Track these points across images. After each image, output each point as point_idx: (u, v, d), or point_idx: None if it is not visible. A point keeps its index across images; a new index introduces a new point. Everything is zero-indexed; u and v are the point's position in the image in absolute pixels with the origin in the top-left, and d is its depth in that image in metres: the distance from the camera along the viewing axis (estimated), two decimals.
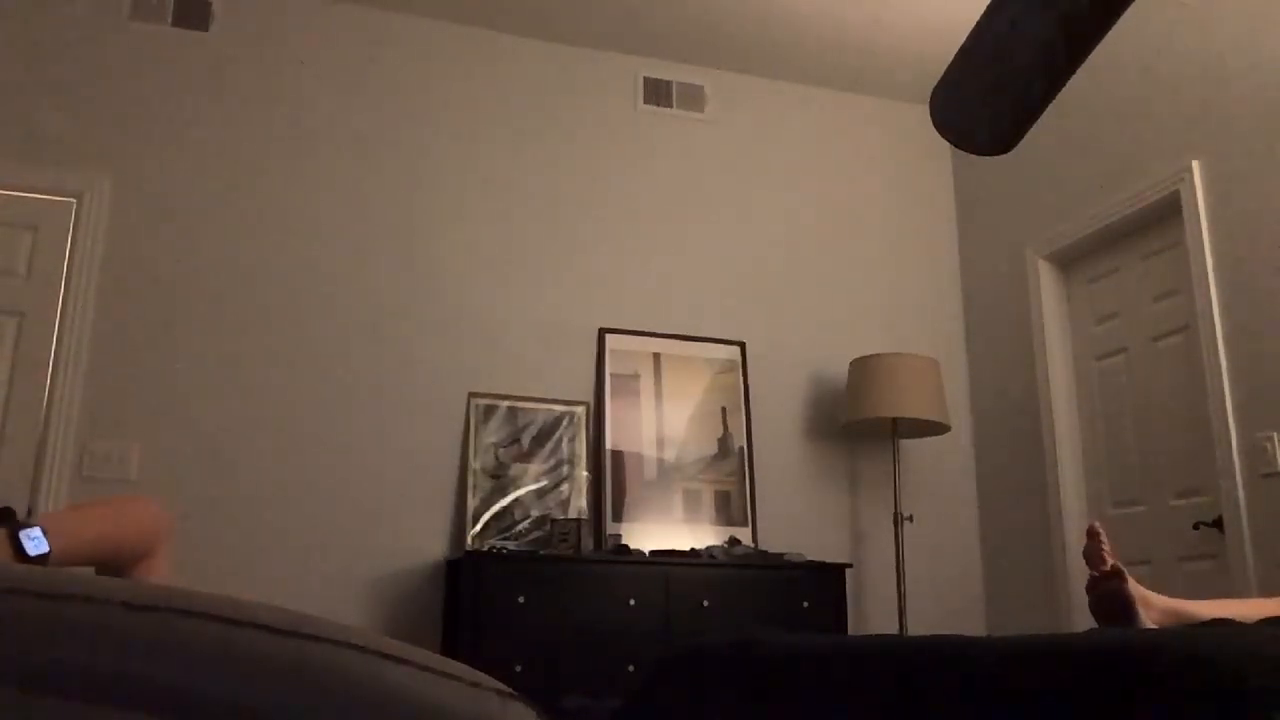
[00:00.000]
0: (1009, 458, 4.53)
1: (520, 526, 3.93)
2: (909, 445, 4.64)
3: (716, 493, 4.23)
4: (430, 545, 3.90)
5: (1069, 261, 4.41)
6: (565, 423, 4.14)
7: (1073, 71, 1.45)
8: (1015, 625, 4.36)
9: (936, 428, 4.28)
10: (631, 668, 3.49)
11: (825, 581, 3.84)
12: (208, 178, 4.00)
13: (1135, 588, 1.75)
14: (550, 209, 4.39)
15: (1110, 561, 1.79)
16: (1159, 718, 0.81)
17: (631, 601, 3.58)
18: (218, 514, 3.71)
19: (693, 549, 3.92)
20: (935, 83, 1.68)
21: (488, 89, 4.44)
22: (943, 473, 4.68)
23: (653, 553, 3.81)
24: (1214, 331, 3.58)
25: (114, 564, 1.32)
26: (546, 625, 3.46)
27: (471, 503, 3.91)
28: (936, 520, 4.60)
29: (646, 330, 4.37)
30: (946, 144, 5.09)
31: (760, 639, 1.26)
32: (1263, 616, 1.66)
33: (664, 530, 4.08)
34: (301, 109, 4.17)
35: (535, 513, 3.96)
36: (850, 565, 3.97)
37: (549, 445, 4.08)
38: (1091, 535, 1.82)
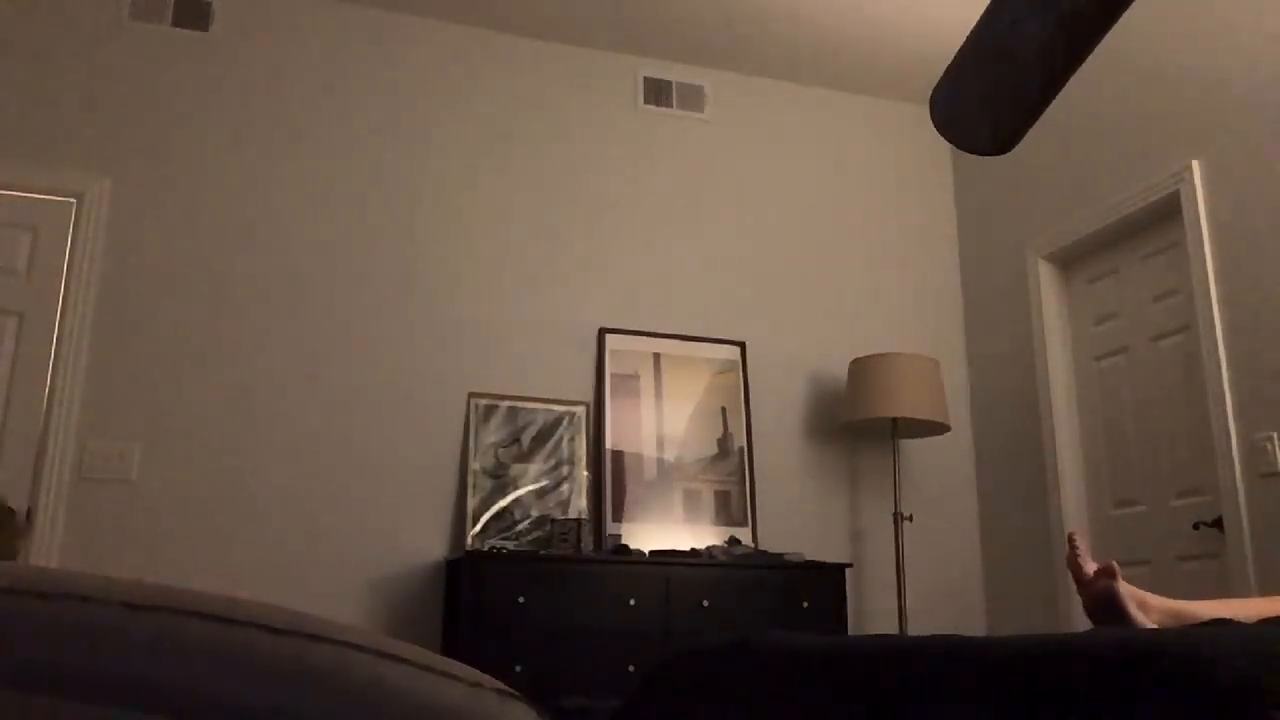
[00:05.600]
0: (1009, 458, 4.53)
1: (520, 526, 3.93)
2: (909, 445, 4.64)
3: (716, 493, 4.23)
4: (430, 545, 3.91)
5: (1069, 261, 4.41)
6: (565, 423, 4.14)
7: (1073, 71, 1.45)
8: (1015, 625, 4.36)
9: (936, 428, 4.28)
10: (631, 668, 3.49)
11: (825, 581, 3.84)
12: (208, 178, 4.00)
13: (1128, 588, 1.75)
14: (550, 209, 4.39)
15: (1091, 566, 1.79)
16: (1159, 718, 0.81)
17: (631, 601, 3.58)
18: (217, 514, 3.71)
19: (693, 549, 3.92)
20: (935, 83, 1.68)
21: (488, 89, 4.45)
22: (943, 473, 4.68)
23: (653, 553, 3.81)
24: (1214, 331, 3.58)
25: None
26: (546, 625, 3.46)
27: (471, 503, 3.91)
28: (936, 520, 4.60)
29: (646, 330, 4.38)
30: (946, 144, 5.09)
31: (760, 639, 1.26)
32: (1262, 616, 1.66)
33: (664, 530, 4.08)
34: (301, 109, 4.17)
35: (535, 513, 3.97)
36: (850, 565, 3.97)
37: (549, 445, 4.09)
38: (1070, 543, 1.83)
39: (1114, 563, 1.74)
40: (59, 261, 3.76)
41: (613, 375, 4.25)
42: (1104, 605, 1.72)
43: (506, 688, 0.86)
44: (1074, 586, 3.91)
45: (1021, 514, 4.42)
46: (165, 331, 3.82)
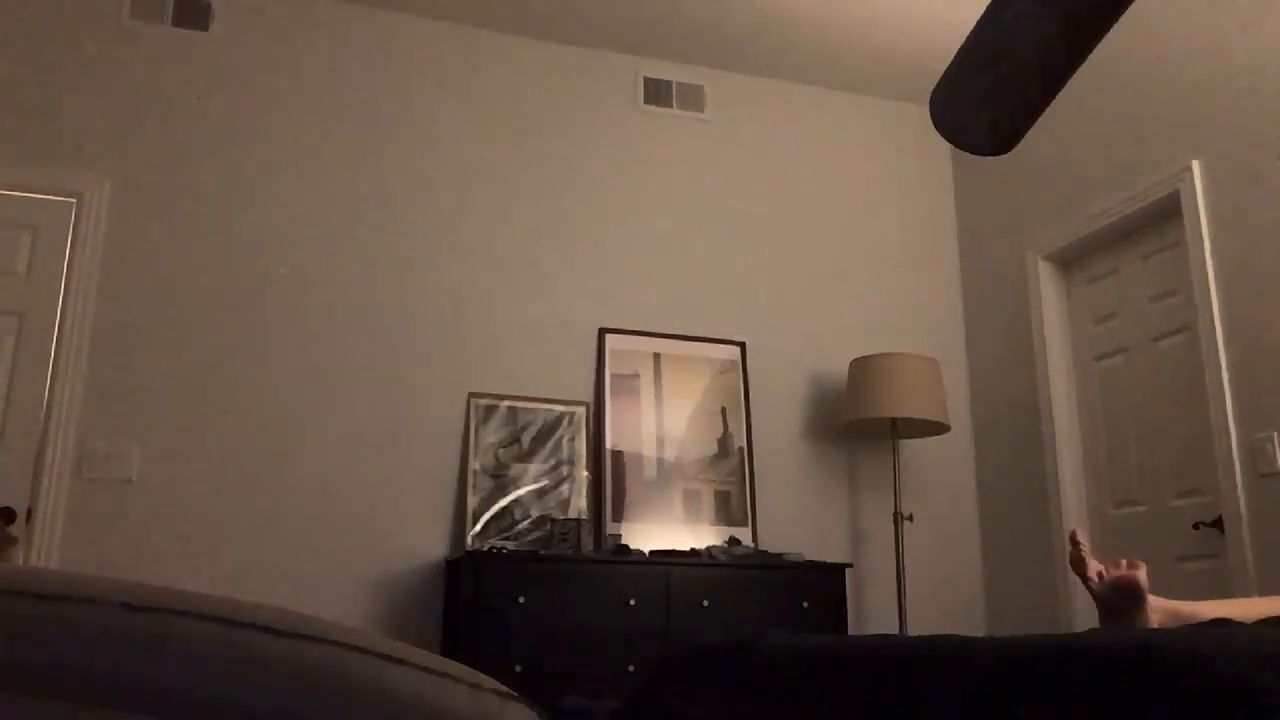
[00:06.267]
0: (1009, 458, 4.53)
1: (520, 526, 3.93)
2: (909, 445, 4.64)
3: (716, 493, 4.23)
4: (430, 545, 3.90)
5: (1069, 261, 4.41)
6: (565, 423, 4.14)
7: (1073, 71, 1.45)
8: (1015, 625, 4.36)
9: (936, 428, 4.28)
10: (631, 668, 3.49)
11: (825, 581, 3.84)
12: (208, 178, 4.00)
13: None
14: (550, 209, 4.39)
15: (1095, 564, 1.80)
16: (1159, 718, 0.81)
17: (631, 601, 3.58)
18: (217, 514, 3.71)
19: (693, 549, 3.92)
20: (935, 83, 1.68)
21: (488, 89, 4.44)
22: (943, 473, 4.68)
23: (653, 553, 3.81)
24: (1214, 331, 3.58)
25: None
26: (546, 625, 3.46)
27: (471, 503, 3.91)
28: (936, 520, 4.60)
29: (646, 330, 4.37)
30: (946, 144, 5.09)
31: (760, 639, 1.26)
32: (1262, 616, 1.66)
33: (664, 530, 4.08)
34: (301, 109, 4.17)
35: (535, 513, 3.97)
36: (850, 565, 3.97)
37: (549, 445, 4.09)
38: (1073, 542, 1.83)
39: (1140, 561, 1.75)
40: (59, 261, 3.76)
41: (613, 375, 4.25)
42: (1126, 593, 1.72)
43: (506, 688, 0.86)
44: (1075, 585, 3.90)
45: (1021, 514, 4.42)
46: (165, 331, 3.82)
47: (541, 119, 4.49)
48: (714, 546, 3.86)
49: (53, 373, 3.66)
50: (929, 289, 4.90)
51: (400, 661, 0.80)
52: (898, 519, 4.12)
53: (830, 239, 4.79)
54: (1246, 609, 1.72)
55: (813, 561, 3.89)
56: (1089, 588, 1.80)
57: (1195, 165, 3.70)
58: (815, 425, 4.54)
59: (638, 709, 1.31)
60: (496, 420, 4.06)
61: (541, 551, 3.64)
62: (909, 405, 4.10)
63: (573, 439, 4.13)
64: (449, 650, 3.62)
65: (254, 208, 4.03)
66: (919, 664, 1.04)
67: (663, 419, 4.26)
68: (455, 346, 4.13)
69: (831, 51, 4.65)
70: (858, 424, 4.30)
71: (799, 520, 4.39)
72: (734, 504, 4.24)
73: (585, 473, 4.10)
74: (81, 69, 3.94)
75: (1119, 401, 4.11)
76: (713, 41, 4.57)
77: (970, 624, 4.49)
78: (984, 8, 1.56)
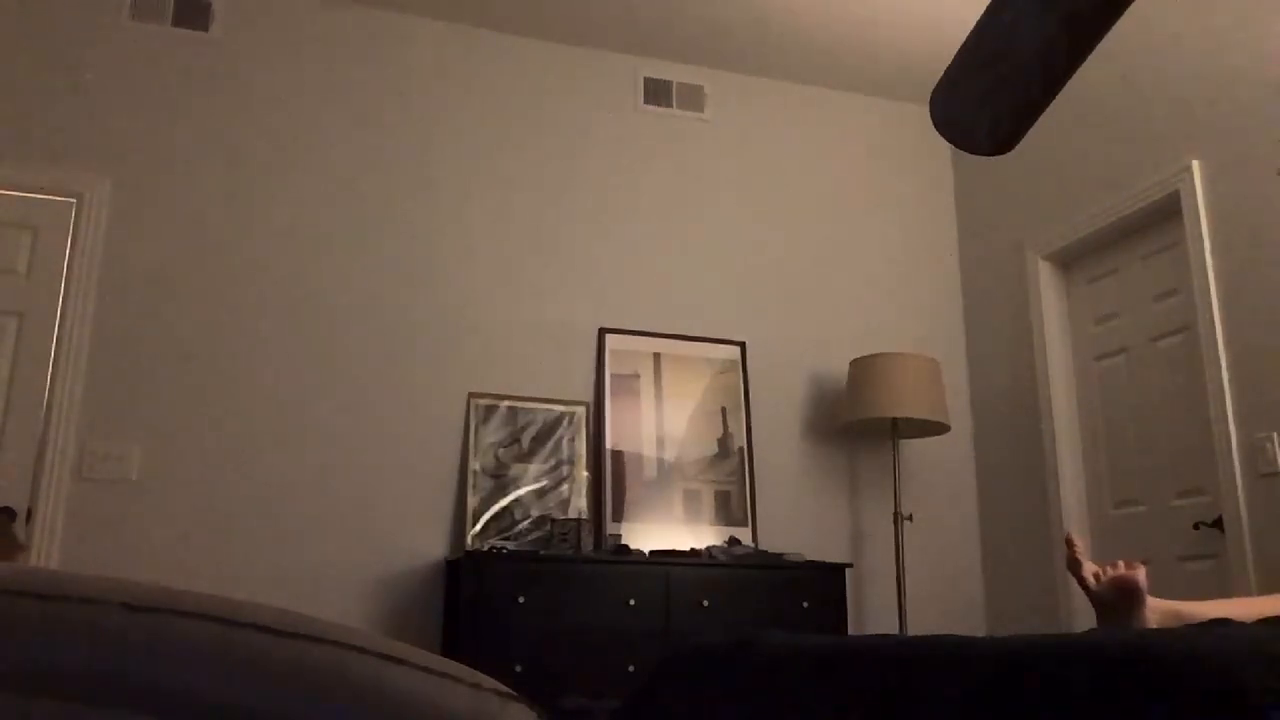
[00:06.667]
0: (1009, 458, 4.53)
1: (520, 526, 3.93)
2: (909, 445, 4.64)
3: (716, 493, 4.23)
4: (430, 545, 3.91)
5: (1069, 261, 4.41)
6: (565, 423, 4.14)
7: (1073, 71, 1.45)
8: (1015, 625, 4.36)
9: (936, 428, 4.28)
10: (631, 668, 3.49)
11: (825, 581, 3.84)
12: (208, 178, 4.00)
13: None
14: (550, 209, 4.39)
15: (1091, 566, 1.81)
16: (1159, 718, 0.82)
17: (631, 601, 3.58)
18: (217, 514, 3.71)
19: (693, 549, 3.92)
20: (935, 83, 1.68)
21: (488, 89, 4.44)
22: (943, 473, 4.67)
23: (653, 553, 3.81)
24: (1214, 331, 3.58)
25: None
26: (546, 625, 3.46)
27: (471, 503, 3.91)
28: (936, 520, 4.60)
29: (646, 330, 4.37)
30: (946, 144, 5.09)
31: (760, 639, 1.27)
32: (1262, 616, 1.66)
33: (664, 530, 4.08)
34: (302, 109, 4.17)
35: (535, 513, 3.96)
36: (850, 565, 3.97)
37: (549, 445, 4.08)
38: (1068, 545, 1.84)
39: (1140, 562, 1.76)
40: (59, 261, 3.76)
41: (613, 375, 4.25)
42: (1125, 593, 1.72)
43: (507, 688, 0.86)
44: (1075, 585, 3.91)
45: (1021, 514, 4.42)
46: (165, 331, 3.82)
47: (541, 119, 4.49)
48: (714, 546, 3.86)
49: (53, 373, 3.66)
50: (929, 289, 4.90)
51: (400, 661, 0.80)
52: (898, 519, 4.12)
53: (830, 239, 4.79)
54: (1246, 609, 1.72)
55: (813, 561, 3.89)
56: (1085, 589, 1.81)
57: (1195, 165, 3.70)
58: (815, 425, 4.54)
59: (638, 709, 1.31)
60: (496, 420, 4.06)
61: (541, 551, 3.64)
62: (909, 405, 4.10)
63: (573, 439, 4.13)
64: (449, 650, 3.62)
65: (254, 208, 4.03)
66: (919, 664, 1.04)
67: (663, 419, 4.26)
68: (455, 346, 4.13)
69: (831, 51, 4.65)
70: (858, 424, 4.30)
71: (799, 520, 4.39)
72: (734, 504, 4.24)
73: (585, 473, 4.10)
74: (81, 69, 3.93)
75: (1119, 401, 4.11)
76: (713, 41, 4.57)
77: (970, 624, 4.50)
78: (984, 8, 1.56)
